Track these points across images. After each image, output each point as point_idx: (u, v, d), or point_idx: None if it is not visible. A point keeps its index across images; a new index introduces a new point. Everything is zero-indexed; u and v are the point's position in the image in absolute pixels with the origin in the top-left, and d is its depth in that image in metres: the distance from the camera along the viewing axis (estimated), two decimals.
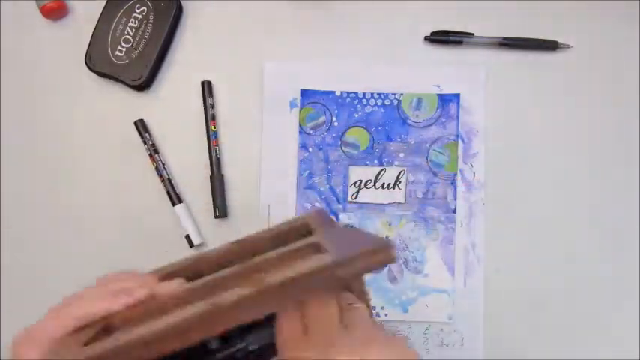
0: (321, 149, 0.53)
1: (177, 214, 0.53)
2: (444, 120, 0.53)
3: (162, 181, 0.53)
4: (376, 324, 0.32)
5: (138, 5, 0.54)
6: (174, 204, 0.53)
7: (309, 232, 0.35)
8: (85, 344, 0.28)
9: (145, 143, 0.53)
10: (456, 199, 0.52)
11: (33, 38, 0.55)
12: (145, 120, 0.54)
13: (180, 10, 0.55)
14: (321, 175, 0.53)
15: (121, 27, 0.54)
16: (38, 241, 0.54)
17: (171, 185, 0.53)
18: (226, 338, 0.33)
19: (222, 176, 0.53)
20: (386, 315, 0.52)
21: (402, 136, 0.53)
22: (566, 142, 0.53)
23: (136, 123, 0.54)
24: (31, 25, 0.55)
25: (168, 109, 0.55)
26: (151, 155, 0.53)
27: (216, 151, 0.53)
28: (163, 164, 0.53)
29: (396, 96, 0.54)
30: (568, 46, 0.54)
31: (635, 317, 0.52)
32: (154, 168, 0.53)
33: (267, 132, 0.54)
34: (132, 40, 0.53)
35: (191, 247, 0.52)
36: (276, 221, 0.52)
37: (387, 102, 0.53)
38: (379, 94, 0.54)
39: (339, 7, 0.55)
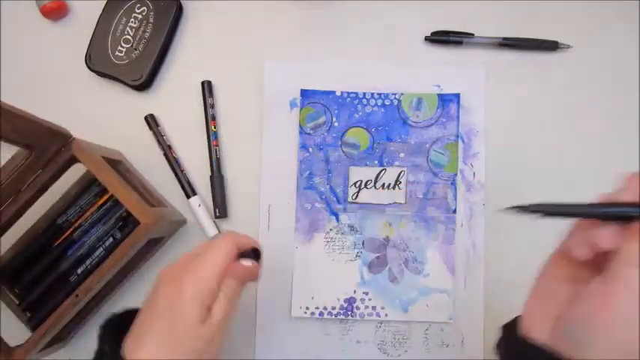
0: (321, 149, 0.53)
1: (192, 205, 0.53)
2: (444, 120, 0.53)
3: (176, 174, 0.53)
4: None
5: (138, 5, 0.54)
6: (188, 196, 0.53)
7: None
8: None
9: (157, 139, 0.53)
10: (456, 199, 0.52)
11: (33, 38, 0.55)
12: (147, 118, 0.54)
13: (180, 10, 0.55)
14: (322, 176, 0.53)
15: (121, 27, 0.54)
16: None
17: (186, 178, 0.53)
18: None
19: (222, 176, 0.53)
20: (386, 315, 0.52)
21: (402, 136, 0.53)
22: (566, 142, 0.53)
23: (146, 118, 0.54)
24: (31, 25, 0.55)
25: (168, 110, 0.55)
26: (163, 149, 0.53)
27: (216, 151, 0.53)
28: (175, 158, 0.53)
29: (396, 96, 0.53)
30: (568, 46, 0.54)
31: None
32: (154, 167, 0.53)
33: (267, 132, 0.54)
34: (132, 40, 0.53)
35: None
36: (277, 221, 0.52)
37: (387, 102, 0.53)
38: (379, 94, 0.54)
39: (339, 7, 0.55)
